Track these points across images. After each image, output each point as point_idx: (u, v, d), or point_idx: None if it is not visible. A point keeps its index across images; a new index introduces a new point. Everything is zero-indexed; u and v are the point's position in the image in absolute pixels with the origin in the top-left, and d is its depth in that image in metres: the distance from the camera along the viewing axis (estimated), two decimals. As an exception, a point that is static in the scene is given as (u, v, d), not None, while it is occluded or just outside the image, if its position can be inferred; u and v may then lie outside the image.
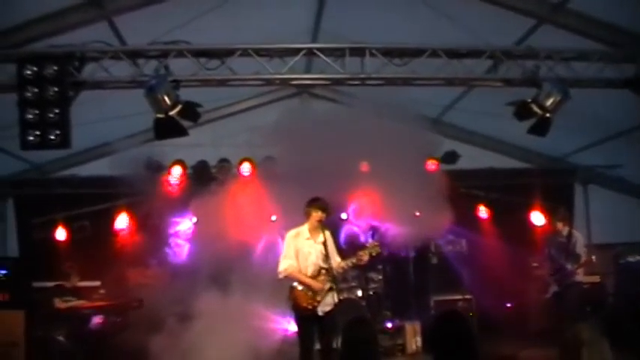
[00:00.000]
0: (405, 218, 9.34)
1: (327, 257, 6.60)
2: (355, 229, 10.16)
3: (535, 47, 7.35)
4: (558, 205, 9.39)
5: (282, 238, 7.15)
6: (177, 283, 9.07)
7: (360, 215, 10.04)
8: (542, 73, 7.17)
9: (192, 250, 9.96)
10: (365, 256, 6.76)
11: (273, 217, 9.84)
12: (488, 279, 9.90)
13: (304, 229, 6.86)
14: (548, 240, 8.73)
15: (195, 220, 10.02)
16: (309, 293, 6.59)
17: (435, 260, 10.69)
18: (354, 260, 6.79)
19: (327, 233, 6.78)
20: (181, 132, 7.08)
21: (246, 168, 10.01)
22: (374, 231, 9.76)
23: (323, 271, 6.69)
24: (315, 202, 6.84)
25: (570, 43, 7.52)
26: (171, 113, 6.85)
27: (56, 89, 6.44)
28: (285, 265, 6.73)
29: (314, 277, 6.69)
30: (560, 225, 8.44)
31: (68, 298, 8.60)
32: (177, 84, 6.90)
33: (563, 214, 8.72)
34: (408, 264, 10.30)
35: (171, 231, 10.16)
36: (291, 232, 6.91)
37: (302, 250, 6.76)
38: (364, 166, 9.69)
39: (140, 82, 6.83)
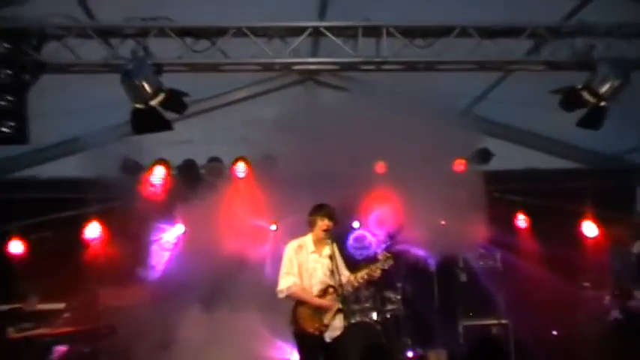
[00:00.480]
0: (429, 227, 9.34)
1: (334, 273, 6.55)
2: (369, 236, 10.34)
3: (588, 21, 7.10)
4: (615, 213, 9.19)
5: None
6: (160, 305, 9.03)
7: (378, 224, 10.16)
8: (596, 53, 6.95)
9: (178, 264, 9.94)
10: (377, 270, 6.70)
11: (273, 227, 9.94)
12: (529, 301, 9.78)
13: (308, 240, 6.83)
14: (612, 253, 8.49)
15: (182, 229, 10.08)
16: (316, 316, 6.54)
17: (463, 278, 10.58)
18: (364, 275, 6.71)
19: (334, 245, 6.75)
20: (164, 126, 7.00)
21: (241, 168, 9.99)
22: (389, 241, 9.66)
23: (330, 290, 6.64)
24: (320, 210, 6.80)
25: (633, 15, 7.22)
26: (153, 103, 6.77)
27: (9, 72, 6.28)
28: (288, 282, 6.66)
29: (320, 297, 6.65)
30: (626, 236, 8.13)
31: (25, 325, 8.46)
32: (159, 69, 6.78)
33: (636, 224, 8.34)
34: (431, 282, 10.26)
35: (154, 243, 10.16)
36: (293, 244, 6.85)
37: (306, 266, 6.73)
38: (380, 167, 9.77)
39: (114, 65, 6.66)
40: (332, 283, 6.60)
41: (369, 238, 10.34)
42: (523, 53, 7.32)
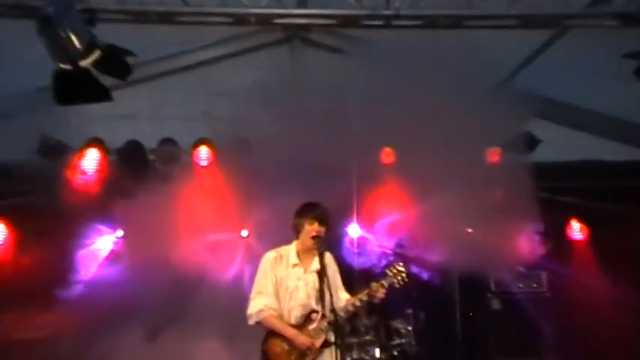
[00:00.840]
0: (450, 236, 9.44)
1: (323, 294, 6.41)
2: (372, 240, 10.35)
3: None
4: None
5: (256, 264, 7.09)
6: (89, 335, 9.05)
7: (384, 230, 10.25)
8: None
9: (114, 280, 9.83)
10: (381, 289, 6.57)
11: (244, 232, 9.97)
12: (586, 338, 9.78)
13: (291, 250, 6.83)
14: None
15: (121, 233, 10.00)
16: (295, 352, 6.52)
17: (496, 305, 10.51)
18: (364, 296, 6.60)
19: (328, 257, 6.71)
20: (100, 94, 6.92)
21: (203, 154, 9.99)
22: (398, 252, 9.88)
23: (314, 316, 6.56)
24: (309, 211, 6.77)
25: None
26: (84, 64, 6.67)
27: None
28: (259, 305, 6.62)
29: (301, 325, 6.59)
30: None
31: None
32: (92, 16, 6.77)
33: None
34: (453, 309, 10.35)
35: (81, 251, 10.01)
36: (269, 255, 6.84)
37: (285, 284, 6.70)
38: (387, 155, 9.87)
39: (28, 8, 6.71)
40: (317, 307, 6.53)
41: (373, 243, 10.39)
42: (584, 4, 7.35)
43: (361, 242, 10.34)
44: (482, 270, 10.04)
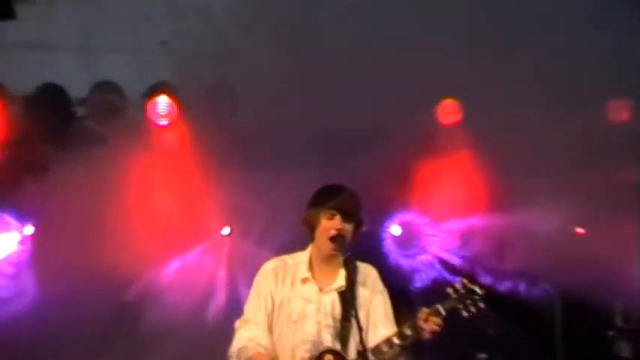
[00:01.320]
0: (550, 242, 9.60)
1: (349, 327, 6.07)
2: (424, 229, 10.71)
3: None
4: None
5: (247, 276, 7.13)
6: None
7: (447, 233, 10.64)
8: None
9: (21, 296, 9.91)
10: (435, 319, 5.87)
11: (225, 230, 10.12)
12: None
13: (302, 258, 6.39)
14: None
15: (30, 230, 10.05)
16: None
17: (625, 350, 10.43)
18: (407, 330, 5.95)
19: (366, 270, 6.28)
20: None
21: (161, 107, 10.09)
22: (466, 261, 10.24)
23: (329, 357, 6.05)
24: (326, 197, 6.24)
25: None
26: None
27: None
28: (241, 340, 6.21)
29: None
30: None
31: None
32: None
33: None
34: (552, 356, 10.49)
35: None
36: (267, 267, 6.43)
37: (288, 309, 6.30)
38: (450, 111, 10.09)
39: None
40: (336, 345, 6.11)
41: (427, 248, 10.71)
42: None
43: (408, 246, 10.34)
44: (601, 296, 9.95)
